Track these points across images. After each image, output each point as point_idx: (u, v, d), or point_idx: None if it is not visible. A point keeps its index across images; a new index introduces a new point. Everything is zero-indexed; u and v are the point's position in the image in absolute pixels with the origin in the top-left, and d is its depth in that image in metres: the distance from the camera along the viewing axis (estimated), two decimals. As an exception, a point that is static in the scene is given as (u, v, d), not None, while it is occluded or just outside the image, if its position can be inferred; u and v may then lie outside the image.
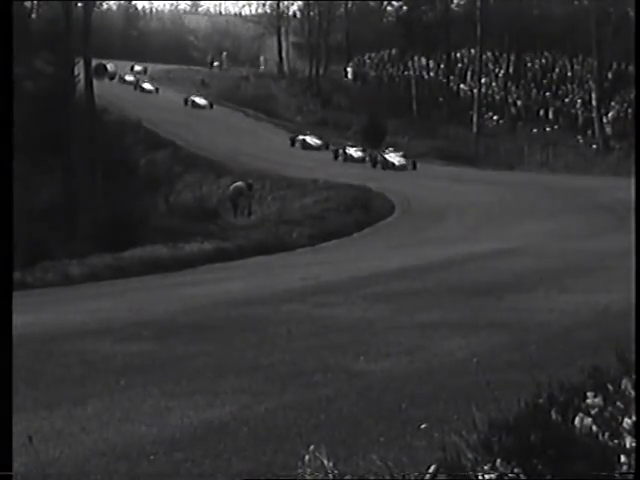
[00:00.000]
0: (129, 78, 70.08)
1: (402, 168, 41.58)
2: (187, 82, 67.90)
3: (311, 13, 65.72)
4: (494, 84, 56.42)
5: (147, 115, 52.25)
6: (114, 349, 7.73)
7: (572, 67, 55.12)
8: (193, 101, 60.65)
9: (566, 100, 51.94)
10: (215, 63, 78.69)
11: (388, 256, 17.98)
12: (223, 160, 42.04)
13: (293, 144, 49.05)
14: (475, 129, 51.81)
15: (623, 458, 3.43)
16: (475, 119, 52.24)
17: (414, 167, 41.77)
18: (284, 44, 70.01)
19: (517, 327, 8.22)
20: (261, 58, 77.10)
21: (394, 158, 42.49)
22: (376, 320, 8.90)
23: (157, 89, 66.29)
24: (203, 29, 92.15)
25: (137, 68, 74.16)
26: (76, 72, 38.00)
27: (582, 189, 32.99)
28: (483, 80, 54.61)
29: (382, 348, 7.34)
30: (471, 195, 32.89)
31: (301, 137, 49.45)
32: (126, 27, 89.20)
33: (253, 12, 79.08)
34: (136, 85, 66.90)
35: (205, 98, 61.29)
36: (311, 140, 49.02)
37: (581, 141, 47.27)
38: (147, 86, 67.02)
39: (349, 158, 44.25)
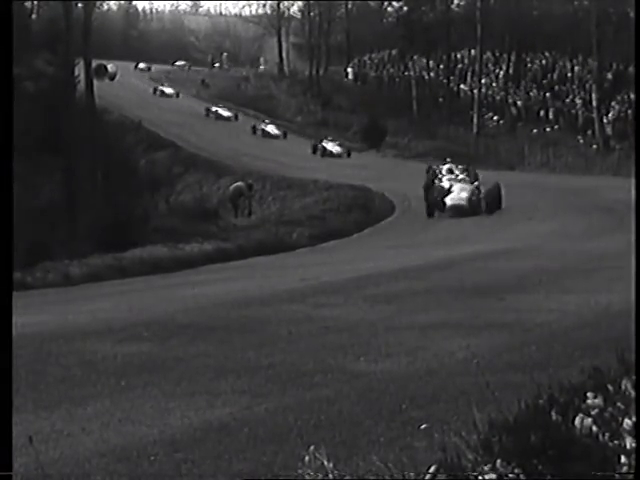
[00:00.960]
0: (226, 113, 55.70)
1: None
2: (187, 82, 67.89)
3: (311, 14, 65.68)
4: (494, 84, 56.38)
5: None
6: (114, 350, 7.73)
7: (572, 67, 55.09)
8: (324, 149, 46.87)
9: (566, 100, 51.90)
10: (216, 64, 78.43)
11: (388, 256, 17.98)
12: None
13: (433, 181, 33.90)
14: (475, 129, 51.79)
15: (623, 459, 3.43)
16: (475, 119, 52.22)
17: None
18: (284, 45, 69.97)
19: (517, 328, 8.22)
20: (261, 59, 77.09)
21: None
22: (376, 321, 8.90)
23: (285, 134, 51.62)
24: (203, 30, 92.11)
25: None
26: (76, 72, 38.04)
27: (582, 189, 32.98)
28: (483, 80, 54.59)
29: (382, 349, 7.34)
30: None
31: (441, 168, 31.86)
32: (126, 27, 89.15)
33: (253, 13, 79.14)
34: (255, 128, 52.26)
35: (340, 145, 47.60)
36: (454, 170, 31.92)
37: (581, 141, 47.21)
38: (272, 129, 51.59)
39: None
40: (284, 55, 69.47)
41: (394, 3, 68.22)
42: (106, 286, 15.14)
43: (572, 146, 46.35)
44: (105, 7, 77.54)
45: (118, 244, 19.82)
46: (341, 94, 61.59)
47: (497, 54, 58.26)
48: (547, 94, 53.18)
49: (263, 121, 54.37)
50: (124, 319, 9.68)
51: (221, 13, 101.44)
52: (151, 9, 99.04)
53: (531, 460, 3.42)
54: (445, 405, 5.37)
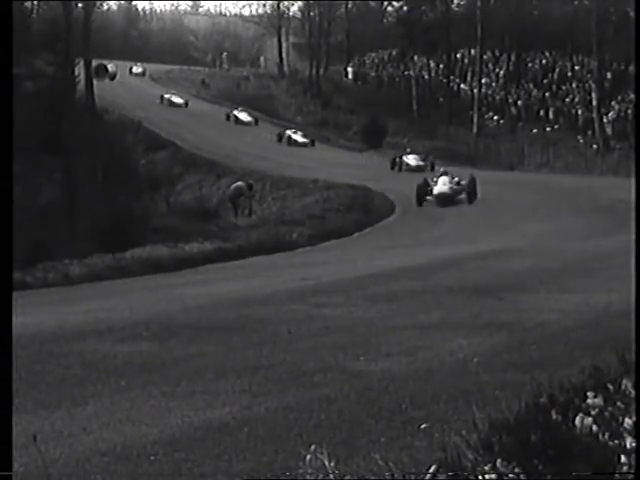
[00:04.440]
0: (415, 162, 41.29)
1: None
2: (187, 82, 67.92)
3: (311, 13, 65.67)
4: (494, 84, 56.40)
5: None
6: (114, 349, 7.73)
7: (572, 67, 55.10)
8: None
9: (566, 100, 51.92)
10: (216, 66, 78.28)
11: (388, 256, 17.98)
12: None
13: None
14: (475, 129, 51.78)
15: (623, 458, 3.43)
16: (475, 119, 52.22)
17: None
18: (284, 44, 69.97)
19: (517, 327, 8.22)
20: (261, 58, 77.07)
21: None
22: (376, 320, 8.90)
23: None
24: (203, 29, 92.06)
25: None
26: (76, 72, 38.06)
27: (582, 189, 32.97)
28: (483, 80, 54.60)
29: (382, 348, 7.33)
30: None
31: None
32: (126, 27, 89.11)
33: (253, 12, 79.14)
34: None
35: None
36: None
37: (581, 141, 47.21)
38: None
39: None
40: (284, 55, 69.47)
41: (394, 3, 68.28)
42: (106, 286, 15.14)
43: (572, 146, 46.34)
44: (105, 7, 77.65)
45: (118, 244, 19.81)
46: (341, 94, 61.57)
47: (497, 54, 58.27)
48: (547, 94, 53.19)
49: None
50: (124, 319, 9.68)
51: (221, 13, 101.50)
52: (151, 9, 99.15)
53: (531, 460, 3.42)
54: (445, 405, 5.37)
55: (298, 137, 49.75)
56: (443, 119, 53.44)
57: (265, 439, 4.87)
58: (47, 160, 35.05)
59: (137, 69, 72.67)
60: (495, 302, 9.84)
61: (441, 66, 59.39)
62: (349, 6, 70.59)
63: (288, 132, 50.34)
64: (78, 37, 39.53)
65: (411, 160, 41.54)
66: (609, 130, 46.71)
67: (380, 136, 49.68)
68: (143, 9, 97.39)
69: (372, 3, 73.36)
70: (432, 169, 40.03)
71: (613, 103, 47.99)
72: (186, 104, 58.12)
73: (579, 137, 47.70)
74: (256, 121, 54.32)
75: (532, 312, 9.04)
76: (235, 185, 32.76)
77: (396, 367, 6.63)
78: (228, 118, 54.26)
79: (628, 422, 3.66)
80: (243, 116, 54.51)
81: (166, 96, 58.79)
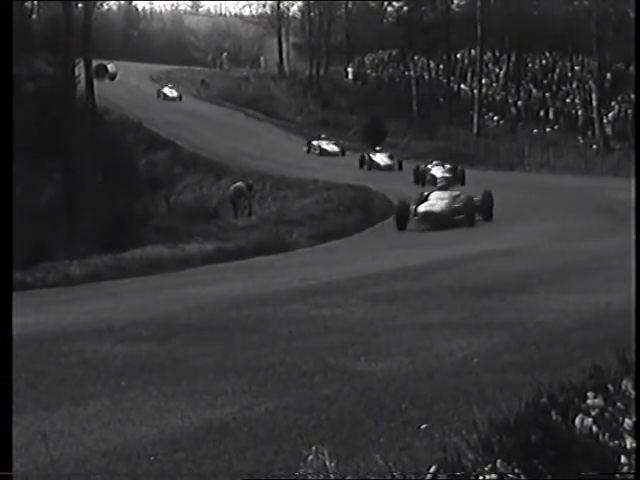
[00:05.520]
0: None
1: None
2: (187, 82, 67.94)
3: (311, 13, 65.70)
4: (494, 84, 56.41)
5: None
6: (114, 349, 7.73)
7: (572, 67, 55.12)
8: None
9: (566, 100, 51.92)
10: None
11: (388, 256, 17.98)
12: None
13: None
14: (475, 129, 51.78)
15: (623, 458, 3.43)
16: (475, 119, 52.21)
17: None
18: (284, 45, 69.98)
19: (517, 327, 8.21)
20: (261, 58, 77.07)
21: None
22: (376, 320, 8.90)
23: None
24: (203, 29, 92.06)
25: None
26: (76, 72, 38.08)
27: (582, 189, 32.97)
28: (483, 80, 54.60)
29: (383, 348, 7.33)
30: (471, 195, 32.83)
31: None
32: (126, 27, 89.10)
33: (253, 13, 79.09)
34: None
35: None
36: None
37: (581, 141, 47.20)
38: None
39: None
40: (284, 55, 69.46)
41: (394, 3, 68.21)
42: (106, 286, 15.15)
43: (572, 146, 46.33)
44: (105, 7, 77.50)
45: (118, 244, 19.83)
46: (341, 94, 61.59)
47: (497, 54, 58.30)
48: (547, 94, 53.18)
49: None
50: (124, 319, 9.68)
51: (221, 13, 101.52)
52: (151, 9, 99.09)
53: (531, 460, 3.42)
54: (445, 405, 5.37)
55: None
56: (443, 119, 53.44)
57: (265, 439, 4.86)
58: (47, 160, 35.05)
59: (172, 92, 59.49)
60: (495, 302, 9.84)
61: (441, 66, 59.41)
62: (349, 6, 70.59)
63: None
64: (78, 37, 39.56)
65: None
66: (609, 130, 46.69)
67: (380, 136, 49.67)
68: (143, 9, 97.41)
69: (372, 3, 73.34)
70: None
71: (613, 103, 47.99)
72: (343, 153, 45.74)
73: (579, 137, 47.71)
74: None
75: (532, 312, 9.03)
76: (235, 185, 32.77)
77: (396, 367, 6.63)
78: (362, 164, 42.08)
79: (628, 422, 3.66)
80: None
81: (315, 143, 46.46)
